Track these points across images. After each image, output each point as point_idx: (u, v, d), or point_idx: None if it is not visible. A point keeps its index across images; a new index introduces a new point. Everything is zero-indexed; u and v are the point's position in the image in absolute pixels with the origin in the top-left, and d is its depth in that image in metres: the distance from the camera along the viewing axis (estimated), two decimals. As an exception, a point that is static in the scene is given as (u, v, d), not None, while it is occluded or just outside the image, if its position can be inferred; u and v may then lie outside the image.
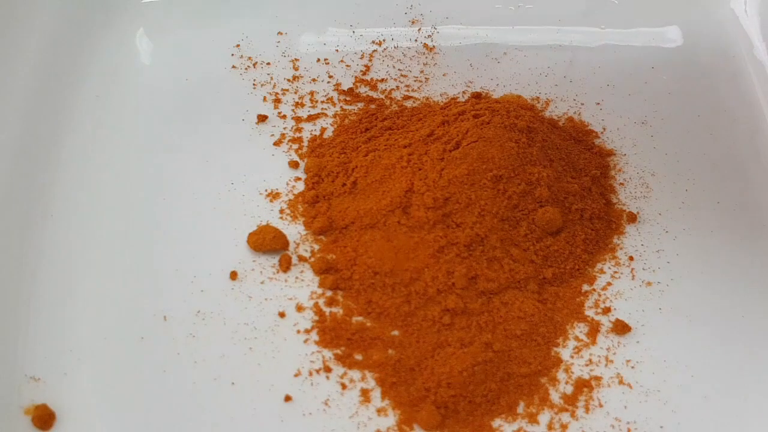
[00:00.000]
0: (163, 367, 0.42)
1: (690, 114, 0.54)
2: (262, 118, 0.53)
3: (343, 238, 0.47)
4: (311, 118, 0.53)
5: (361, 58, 0.57)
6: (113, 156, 0.50)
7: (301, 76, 0.56)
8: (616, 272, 0.46)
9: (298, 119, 0.53)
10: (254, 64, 0.56)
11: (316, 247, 0.47)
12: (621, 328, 0.44)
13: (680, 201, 0.50)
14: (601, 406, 0.41)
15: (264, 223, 0.48)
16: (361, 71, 0.56)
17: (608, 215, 0.48)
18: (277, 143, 0.52)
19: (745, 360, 0.43)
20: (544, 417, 0.41)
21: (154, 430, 0.40)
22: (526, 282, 0.45)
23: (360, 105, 0.54)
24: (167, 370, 0.42)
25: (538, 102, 0.55)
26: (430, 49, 0.58)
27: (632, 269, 0.47)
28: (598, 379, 0.42)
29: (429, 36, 0.58)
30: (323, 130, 0.53)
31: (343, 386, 0.42)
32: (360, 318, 0.44)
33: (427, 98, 0.54)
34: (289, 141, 0.52)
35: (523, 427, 0.40)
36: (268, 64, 0.56)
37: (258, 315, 0.44)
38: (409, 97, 0.54)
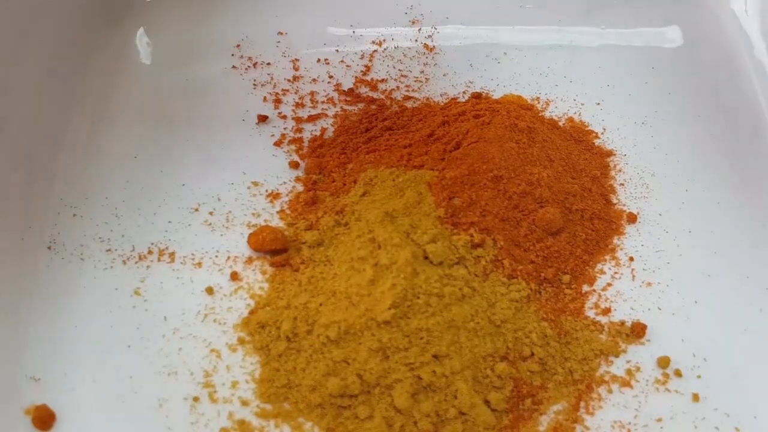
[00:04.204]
0: (163, 368, 0.42)
1: (690, 114, 0.54)
2: (262, 119, 0.53)
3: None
4: (312, 119, 0.53)
5: (362, 58, 0.57)
6: (113, 156, 0.50)
7: (302, 77, 0.56)
8: (616, 273, 0.46)
9: (298, 119, 0.53)
10: (254, 64, 0.56)
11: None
12: (638, 332, 0.44)
13: (680, 201, 0.50)
14: (601, 407, 0.41)
15: (264, 223, 0.48)
16: (362, 71, 0.56)
17: (608, 215, 0.48)
18: (277, 143, 0.52)
19: (746, 359, 0.43)
20: (545, 418, 0.41)
21: (154, 430, 0.40)
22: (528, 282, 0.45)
23: (360, 105, 0.54)
24: (167, 371, 0.42)
25: (538, 102, 0.55)
26: (430, 49, 0.58)
27: (632, 269, 0.47)
28: (598, 379, 0.42)
29: (429, 36, 0.58)
30: (324, 130, 0.53)
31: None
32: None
33: (428, 98, 0.54)
34: (289, 141, 0.52)
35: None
36: (268, 64, 0.56)
37: (258, 315, 0.44)
38: (410, 98, 0.54)
